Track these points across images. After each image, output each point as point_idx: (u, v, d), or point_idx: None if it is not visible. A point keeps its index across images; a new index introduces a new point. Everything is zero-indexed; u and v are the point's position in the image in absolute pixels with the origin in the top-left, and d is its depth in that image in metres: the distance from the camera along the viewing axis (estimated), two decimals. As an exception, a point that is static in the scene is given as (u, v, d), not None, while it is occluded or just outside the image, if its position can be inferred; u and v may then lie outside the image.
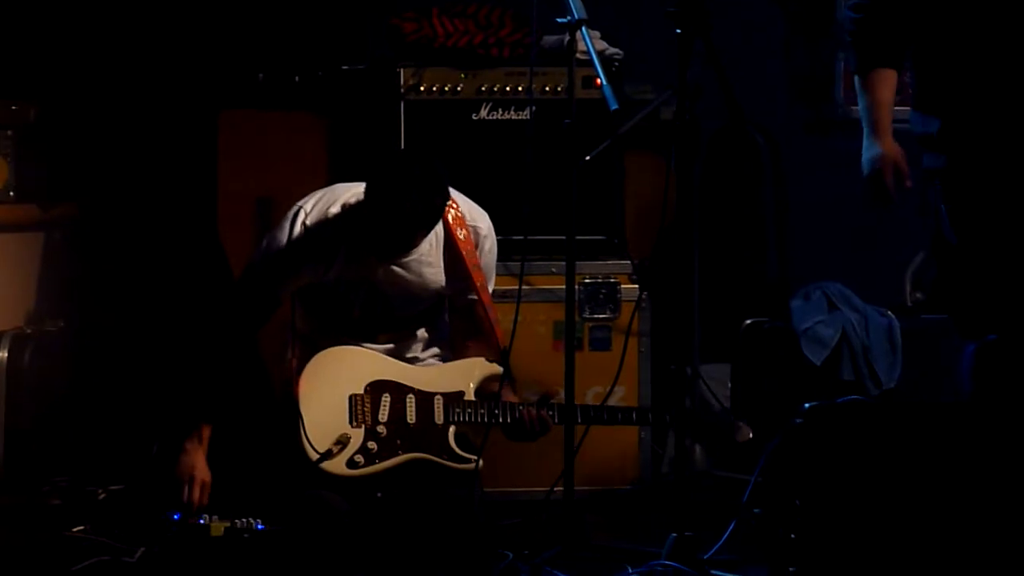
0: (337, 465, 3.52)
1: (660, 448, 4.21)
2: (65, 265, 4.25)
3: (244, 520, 3.49)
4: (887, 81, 3.58)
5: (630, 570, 3.47)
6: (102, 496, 3.79)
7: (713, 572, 3.44)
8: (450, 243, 3.51)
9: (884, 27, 3.52)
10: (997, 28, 3.46)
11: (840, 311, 4.83)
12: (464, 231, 3.54)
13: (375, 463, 3.55)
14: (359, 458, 3.54)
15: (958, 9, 3.45)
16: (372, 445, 3.56)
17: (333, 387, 3.61)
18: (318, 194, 3.52)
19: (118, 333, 4.34)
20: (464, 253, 3.53)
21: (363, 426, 3.59)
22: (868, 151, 3.58)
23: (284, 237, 3.45)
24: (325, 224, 3.45)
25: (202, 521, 3.50)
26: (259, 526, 3.49)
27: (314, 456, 3.51)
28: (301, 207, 3.47)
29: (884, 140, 3.57)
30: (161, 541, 3.56)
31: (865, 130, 3.59)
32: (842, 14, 4.81)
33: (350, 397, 3.60)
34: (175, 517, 3.53)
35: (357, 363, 3.62)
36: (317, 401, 3.58)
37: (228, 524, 3.48)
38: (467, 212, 3.55)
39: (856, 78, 3.56)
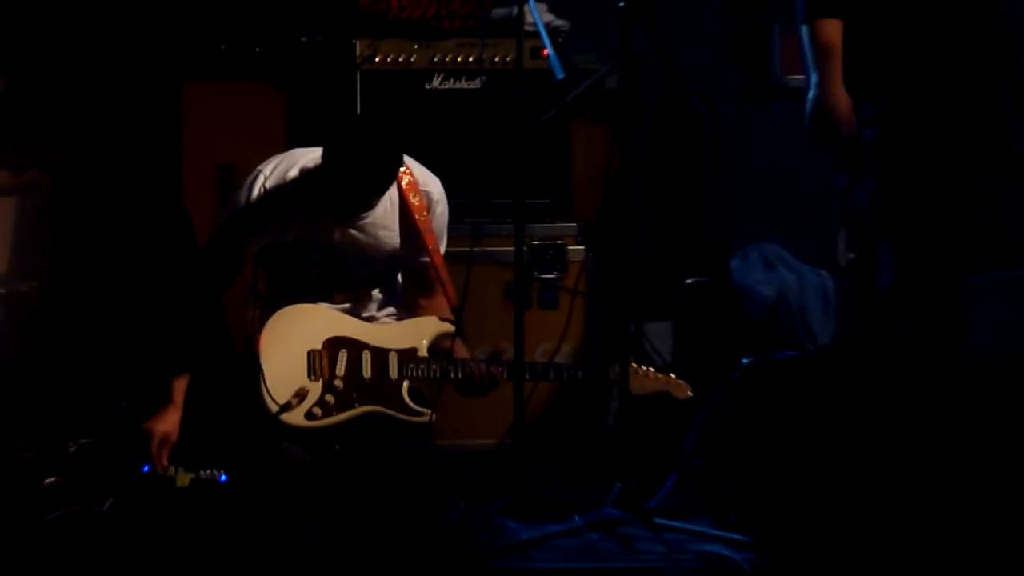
0: (296, 417, 3.63)
1: (604, 402, 4.30)
2: (36, 229, 4.25)
3: (208, 471, 3.65)
4: (834, 29, 3.79)
5: (577, 519, 3.57)
6: (72, 449, 3.81)
7: (657, 520, 3.52)
8: (404, 207, 3.61)
9: None
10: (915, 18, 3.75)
11: (777, 271, 4.95)
12: (417, 196, 3.64)
13: (332, 415, 3.67)
14: (317, 411, 3.65)
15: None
16: (329, 398, 3.67)
17: (292, 343, 3.72)
18: (277, 158, 3.63)
19: (88, 293, 4.34)
20: (417, 217, 3.63)
21: (320, 380, 3.70)
22: (821, 96, 3.80)
23: (245, 199, 3.57)
24: (284, 186, 3.56)
25: (169, 472, 3.64)
26: (222, 478, 3.65)
27: (274, 409, 3.62)
28: (260, 171, 3.59)
29: (836, 86, 3.79)
30: (129, 492, 3.65)
31: (815, 76, 3.80)
32: None
33: (308, 353, 3.69)
34: (145, 469, 3.66)
35: (315, 321, 3.73)
36: (277, 357, 3.68)
37: (193, 476, 3.63)
38: (420, 178, 3.65)
39: (804, 27, 3.75)
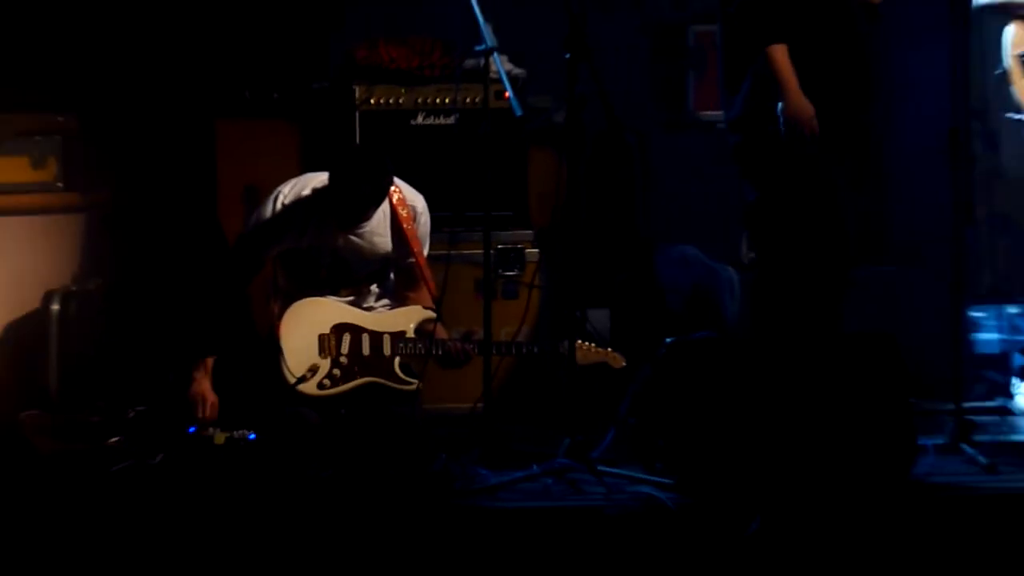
0: (310, 387, 4.20)
1: (556, 371, 4.69)
2: (101, 238, 4.82)
3: (240, 432, 4.17)
4: (785, 51, 4.30)
5: (535, 467, 4.08)
6: (131, 415, 4.32)
7: (599, 468, 4.05)
8: (394, 218, 4.18)
9: (767, 15, 4.30)
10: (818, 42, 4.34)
11: (693, 267, 5.40)
12: (405, 209, 4.21)
13: (339, 386, 4.25)
14: (326, 382, 4.22)
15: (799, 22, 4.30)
16: (336, 372, 4.23)
17: (306, 328, 4.28)
18: (293, 181, 4.23)
19: (143, 289, 4.88)
20: (405, 226, 4.19)
21: (329, 357, 4.25)
22: (791, 105, 4.28)
23: (267, 212, 4.13)
24: (299, 202, 4.13)
25: (208, 432, 4.18)
26: (251, 436, 4.19)
27: (292, 380, 4.19)
28: (280, 190, 4.17)
29: (800, 96, 4.28)
30: (176, 449, 4.19)
31: (783, 89, 4.26)
32: (691, 41, 5.84)
33: (319, 336, 4.24)
34: (191, 430, 4.21)
35: (324, 310, 4.31)
36: (293, 339, 4.25)
37: (228, 435, 4.16)
38: (407, 194, 4.21)
39: (767, 51, 4.27)
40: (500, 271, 4.93)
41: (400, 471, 4.03)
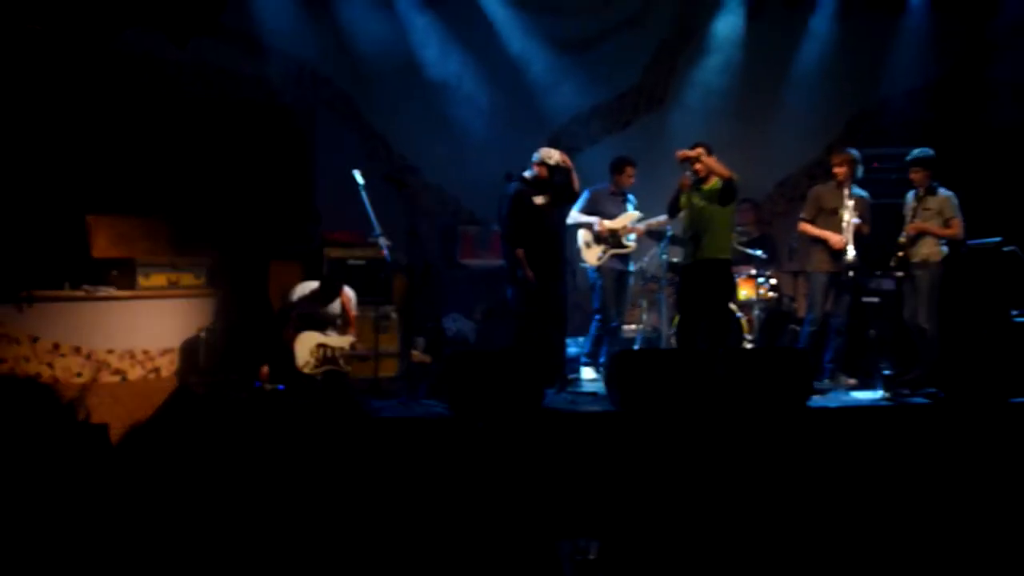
0: (307, 368, 8.79)
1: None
2: (220, 307, 9.21)
3: (275, 386, 8.67)
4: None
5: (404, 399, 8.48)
6: (235, 377, 8.52)
7: (422, 400, 8.35)
8: (342, 303, 8.96)
9: (517, 232, 9.66)
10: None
11: (459, 321, 10.17)
12: (346, 299, 9.00)
13: (318, 369, 8.86)
14: (312, 367, 8.80)
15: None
16: (316, 363, 8.81)
17: (304, 343, 8.90)
18: (301, 284, 8.90)
19: (239, 327, 9.06)
20: (348, 307, 9.03)
21: (315, 356, 8.87)
22: (526, 273, 8.88)
23: (292, 295, 8.85)
24: (301, 292, 8.87)
25: (259, 385, 8.71)
26: (280, 387, 8.65)
27: (300, 364, 8.76)
28: (296, 286, 8.87)
29: (528, 269, 8.79)
30: (253, 391, 8.48)
31: (523, 267, 9.13)
32: (458, 234, 10.47)
33: (312, 347, 8.80)
34: (256, 384, 8.71)
35: (313, 337, 8.91)
36: (299, 348, 8.84)
37: (272, 387, 8.64)
38: (347, 291, 8.93)
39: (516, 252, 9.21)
40: (380, 322, 9.32)
41: (346, 405, 8.45)
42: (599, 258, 10.08)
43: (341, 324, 9.14)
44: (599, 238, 10.01)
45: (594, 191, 10.17)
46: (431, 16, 11.32)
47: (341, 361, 8.95)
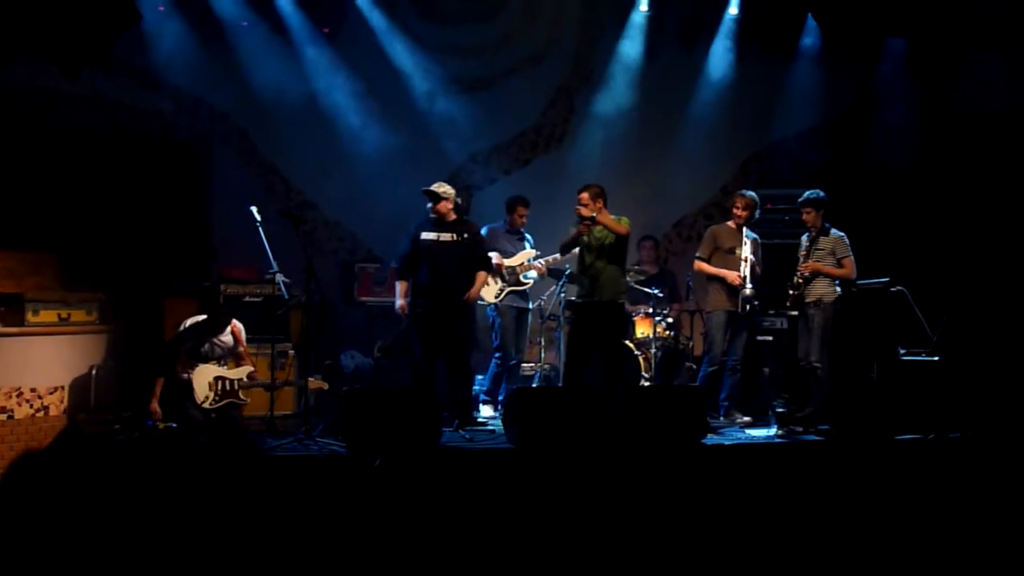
0: (207, 403, 8.51)
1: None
2: (112, 341, 8.84)
3: (168, 424, 8.31)
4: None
5: (300, 435, 7.97)
6: (125, 415, 8.17)
7: (316, 437, 7.92)
8: (234, 334, 8.74)
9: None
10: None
11: (357, 358, 10.04)
12: (236, 331, 8.80)
13: (216, 403, 8.56)
14: (212, 401, 8.52)
15: None
16: (216, 396, 8.55)
17: (203, 376, 8.60)
18: (192, 318, 8.67)
19: (132, 363, 8.72)
20: (239, 339, 8.84)
21: (213, 390, 8.56)
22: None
23: (183, 328, 8.51)
24: (195, 325, 8.56)
25: (151, 424, 8.28)
26: (174, 425, 8.31)
27: (199, 400, 8.48)
28: (187, 321, 8.63)
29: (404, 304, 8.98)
30: (143, 430, 8.06)
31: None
32: (356, 271, 10.21)
33: (209, 381, 8.55)
34: (148, 423, 8.29)
35: (209, 371, 8.65)
36: (197, 383, 8.54)
37: (166, 425, 8.28)
38: (239, 326, 8.76)
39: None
40: (278, 359, 9.23)
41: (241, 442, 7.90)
42: (497, 296, 10.02)
43: (236, 356, 9.01)
44: (497, 276, 9.95)
45: (491, 229, 10.14)
46: (329, 52, 11.31)
47: (240, 393, 8.78)
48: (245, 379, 8.77)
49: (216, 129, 11.30)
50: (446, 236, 9.13)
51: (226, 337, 8.79)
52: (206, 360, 8.75)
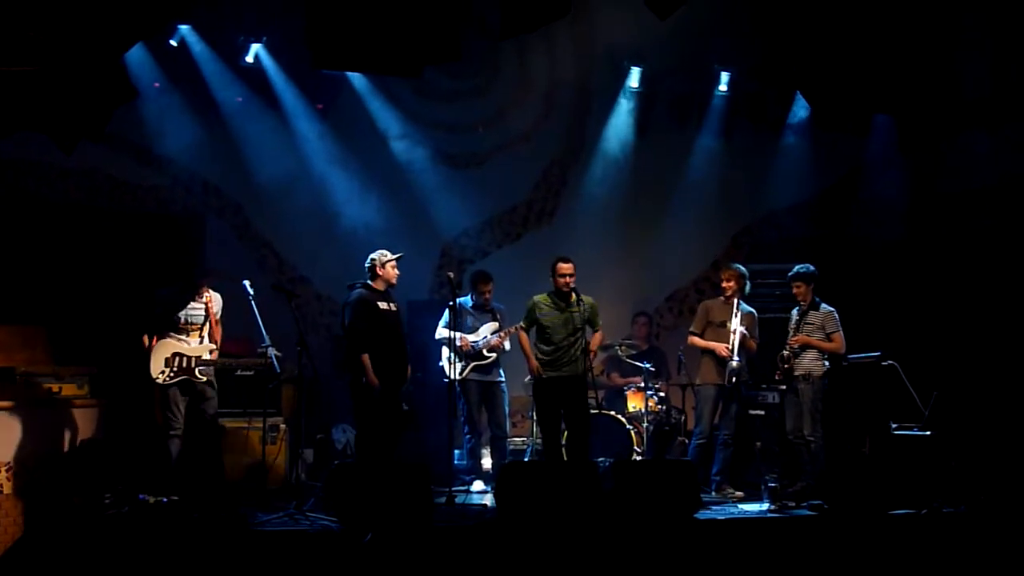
0: (162, 379, 8.37)
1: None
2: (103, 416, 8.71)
3: (158, 498, 8.03)
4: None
5: (291, 509, 7.85)
6: (115, 489, 8.06)
7: (307, 512, 7.78)
8: (206, 305, 8.58)
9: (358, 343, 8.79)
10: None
11: (348, 432, 9.96)
12: (209, 298, 8.65)
13: (174, 379, 8.38)
14: (170, 377, 8.36)
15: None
16: (172, 372, 8.39)
17: (160, 352, 8.43)
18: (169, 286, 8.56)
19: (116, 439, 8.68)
20: (210, 307, 8.65)
21: (170, 367, 8.42)
22: (369, 377, 8.46)
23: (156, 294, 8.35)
24: (165, 294, 8.34)
25: (143, 498, 8.08)
26: (164, 500, 8.05)
27: (155, 375, 8.39)
28: (160, 288, 8.53)
29: (372, 375, 8.54)
30: (133, 505, 7.91)
31: (367, 373, 8.48)
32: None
33: (168, 355, 8.41)
34: (140, 497, 8.11)
35: (170, 344, 8.47)
36: (154, 357, 8.40)
37: (156, 499, 8.02)
38: (215, 296, 8.63)
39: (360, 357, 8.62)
40: (269, 433, 9.05)
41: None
42: (460, 373, 9.94)
43: (205, 331, 8.84)
44: (459, 352, 9.85)
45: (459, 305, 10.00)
46: (323, 128, 11.38)
47: (197, 371, 8.64)
48: (204, 355, 8.69)
49: (210, 203, 11.35)
50: (388, 304, 9.21)
51: (196, 310, 8.67)
52: (177, 331, 8.69)
